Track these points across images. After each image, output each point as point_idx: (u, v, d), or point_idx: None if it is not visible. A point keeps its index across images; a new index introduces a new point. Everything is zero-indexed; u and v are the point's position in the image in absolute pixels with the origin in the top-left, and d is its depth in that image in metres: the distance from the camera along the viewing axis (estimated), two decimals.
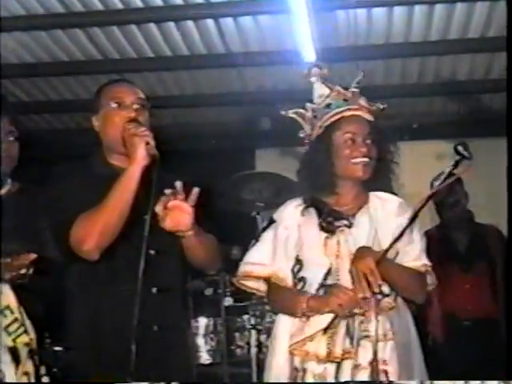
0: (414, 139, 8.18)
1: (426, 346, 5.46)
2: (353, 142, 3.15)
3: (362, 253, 3.00)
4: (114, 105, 3.24)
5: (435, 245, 5.44)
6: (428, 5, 6.07)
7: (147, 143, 3.01)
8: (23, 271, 3.12)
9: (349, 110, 3.21)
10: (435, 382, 3.08)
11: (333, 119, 3.21)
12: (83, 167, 3.35)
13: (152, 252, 2.98)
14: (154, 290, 2.97)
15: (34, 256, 3.11)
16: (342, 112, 3.20)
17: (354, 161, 3.14)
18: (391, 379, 2.95)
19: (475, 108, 8.18)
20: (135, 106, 3.24)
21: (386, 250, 2.96)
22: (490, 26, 6.43)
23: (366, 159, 3.13)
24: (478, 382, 2.86)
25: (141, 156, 3.00)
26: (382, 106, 3.28)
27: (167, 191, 2.97)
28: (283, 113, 3.33)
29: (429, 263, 3.18)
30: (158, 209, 2.95)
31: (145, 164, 3.00)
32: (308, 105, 3.30)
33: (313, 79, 3.27)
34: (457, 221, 5.57)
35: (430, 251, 5.36)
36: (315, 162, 3.23)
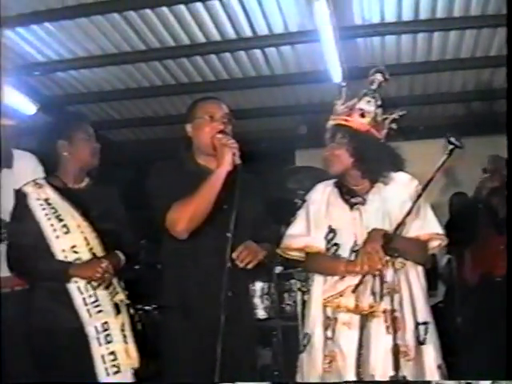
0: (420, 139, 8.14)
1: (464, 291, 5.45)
2: (327, 145, 3.14)
3: (371, 236, 2.95)
4: (207, 117, 3.25)
5: (480, 211, 5.43)
6: (428, 33, 6.05)
7: (234, 154, 3.04)
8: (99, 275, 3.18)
9: (336, 119, 3.15)
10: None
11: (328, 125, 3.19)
12: (176, 164, 3.36)
13: (228, 235, 2.97)
14: (229, 264, 2.97)
15: (105, 264, 3.18)
16: (334, 120, 3.16)
17: (325, 160, 3.17)
18: (399, 322, 2.88)
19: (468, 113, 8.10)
20: (224, 120, 3.25)
21: (395, 229, 2.88)
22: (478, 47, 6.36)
23: (329, 158, 3.12)
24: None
25: (228, 162, 3.02)
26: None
27: None
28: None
29: (436, 231, 3.10)
30: (235, 254, 3.04)
31: (230, 169, 3.03)
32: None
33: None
34: (500, 196, 5.46)
35: (473, 215, 5.37)
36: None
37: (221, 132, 3.17)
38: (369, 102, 3.14)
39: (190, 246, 3.16)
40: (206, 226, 3.11)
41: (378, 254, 2.88)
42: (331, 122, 3.16)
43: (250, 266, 3.10)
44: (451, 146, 2.78)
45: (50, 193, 3.32)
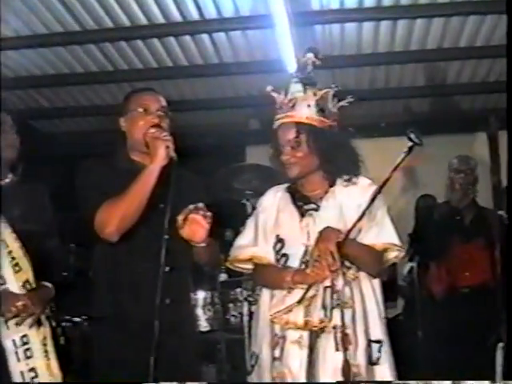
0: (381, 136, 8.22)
1: (427, 303, 5.50)
2: (284, 148, 3.11)
3: (324, 234, 2.94)
4: (141, 110, 3.26)
5: (444, 218, 5.49)
6: (392, 20, 6.08)
7: (167, 147, 3.05)
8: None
9: (282, 117, 3.13)
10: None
11: (275, 125, 3.17)
12: (108, 161, 3.37)
13: (167, 237, 2.95)
14: (167, 268, 2.96)
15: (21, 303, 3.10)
16: (277, 120, 3.15)
17: (284, 164, 3.12)
18: (350, 339, 2.91)
19: (433, 109, 8.18)
20: (159, 113, 3.27)
21: (349, 231, 2.89)
22: (444, 39, 6.43)
23: (290, 162, 3.10)
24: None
25: (161, 157, 3.03)
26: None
27: (191, 206, 2.99)
28: (267, 89, 3.19)
29: (392, 242, 3.09)
30: (180, 217, 2.97)
31: (163, 164, 3.03)
32: (281, 96, 3.17)
33: (294, 79, 3.18)
34: (465, 200, 5.52)
35: (438, 223, 5.42)
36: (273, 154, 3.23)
37: (155, 126, 3.18)
38: (296, 87, 3.13)
39: (123, 250, 3.16)
40: (140, 227, 3.11)
41: (331, 254, 2.86)
42: (283, 121, 3.13)
43: (199, 243, 3.06)
44: (410, 143, 2.80)
45: None
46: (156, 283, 2.86)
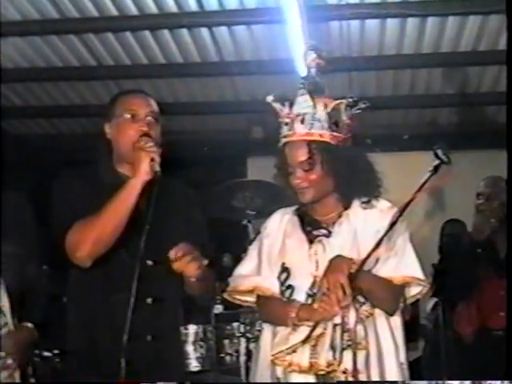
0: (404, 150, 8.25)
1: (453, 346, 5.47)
2: (294, 169, 3.08)
3: (334, 264, 2.93)
4: (128, 116, 3.21)
5: (474, 247, 5.47)
6: (420, 18, 6.09)
7: (152, 159, 3.01)
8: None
9: (290, 135, 3.09)
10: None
11: (281, 142, 3.15)
12: (90, 173, 3.33)
13: (150, 262, 2.97)
14: (149, 300, 2.95)
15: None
16: (284, 137, 3.11)
17: (296, 188, 3.09)
18: None
19: (464, 121, 8.19)
20: (148, 119, 3.21)
21: (363, 261, 2.87)
22: (481, 40, 6.45)
23: (302, 186, 3.07)
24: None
25: (144, 171, 2.99)
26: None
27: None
28: (268, 99, 3.13)
29: (414, 275, 3.05)
30: (172, 253, 2.94)
31: (146, 179, 2.99)
32: (285, 108, 3.12)
33: (301, 89, 3.17)
34: (500, 229, 5.51)
35: (467, 253, 5.39)
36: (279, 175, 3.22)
37: (144, 135, 3.12)
38: (304, 99, 3.08)
39: (98, 277, 3.12)
40: (120, 251, 3.07)
41: (341, 287, 2.85)
42: (291, 139, 3.10)
43: (190, 273, 3.02)
44: (437, 161, 2.81)
45: None
46: (136, 317, 2.85)
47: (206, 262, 3.03)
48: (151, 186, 2.99)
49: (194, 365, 5.37)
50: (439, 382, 2.94)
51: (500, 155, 8.35)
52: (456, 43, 6.55)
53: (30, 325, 3.35)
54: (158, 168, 3.00)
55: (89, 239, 3.00)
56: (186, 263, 2.96)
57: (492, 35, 6.38)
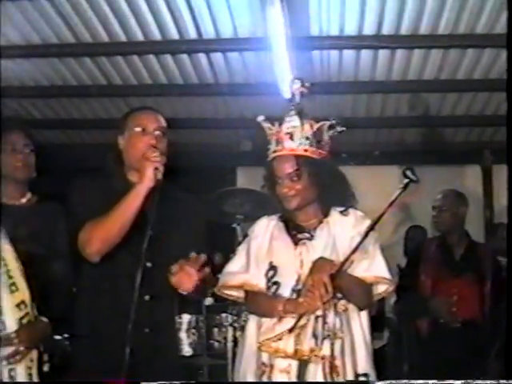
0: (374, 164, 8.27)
1: (413, 337, 5.46)
2: (282, 181, 3.10)
3: (318, 265, 2.95)
4: (139, 129, 3.22)
5: (435, 251, 5.46)
6: (391, 50, 6.10)
7: (156, 168, 3.01)
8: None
9: (277, 151, 3.12)
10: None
11: (270, 157, 3.16)
12: (104, 180, 3.33)
13: (149, 264, 2.96)
14: (147, 297, 2.95)
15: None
16: (274, 152, 3.14)
17: (283, 196, 3.12)
18: (338, 370, 2.93)
19: (427, 140, 8.21)
20: (156, 133, 3.22)
21: (342, 263, 2.92)
22: (442, 70, 6.46)
23: (290, 194, 3.09)
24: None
25: (148, 178, 3.00)
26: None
27: (192, 254, 3.01)
28: (258, 119, 3.17)
29: (382, 275, 3.09)
30: (174, 268, 2.99)
31: (151, 185, 2.99)
32: (274, 127, 3.16)
33: (291, 111, 3.17)
34: (456, 234, 5.50)
35: (429, 256, 5.37)
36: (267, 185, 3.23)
37: (151, 147, 3.12)
38: (292, 119, 3.11)
39: (105, 272, 3.13)
40: (123, 251, 3.07)
41: (324, 286, 2.87)
42: (281, 153, 3.11)
43: (183, 289, 3.04)
44: (406, 180, 2.83)
45: None
46: (135, 311, 2.86)
47: (199, 278, 3.02)
48: (155, 193, 2.99)
49: (186, 350, 5.35)
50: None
51: (457, 170, 8.45)
52: (421, 72, 6.56)
53: (45, 319, 3.31)
54: (160, 176, 3.00)
55: (98, 237, 3.01)
56: (181, 280, 2.99)
57: (451, 67, 6.42)
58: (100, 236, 3.01)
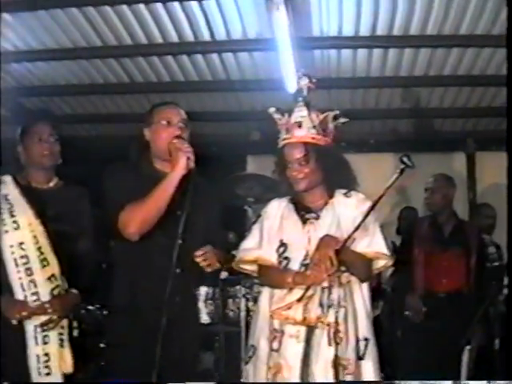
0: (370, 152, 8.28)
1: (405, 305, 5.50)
2: (292, 165, 3.15)
3: (324, 241, 3.00)
4: (164, 122, 3.28)
5: (426, 228, 5.49)
6: (384, 49, 6.12)
7: (188, 158, 3.07)
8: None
9: (287, 139, 3.18)
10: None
11: (281, 144, 3.22)
12: (133, 167, 3.40)
13: (180, 241, 3.00)
14: (178, 270, 2.99)
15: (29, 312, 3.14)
16: (284, 140, 3.20)
17: (292, 179, 3.17)
18: (341, 336, 2.98)
19: (418, 130, 8.21)
20: (180, 125, 3.28)
21: (346, 240, 2.96)
22: (431, 67, 6.47)
23: (299, 177, 3.14)
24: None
25: (181, 167, 3.06)
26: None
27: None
28: (270, 110, 3.24)
29: (382, 251, 3.14)
30: (197, 253, 3.15)
31: (183, 173, 3.06)
32: (284, 117, 3.23)
33: (299, 103, 3.22)
34: (445, 214, 5.53)
35: (421, 233, 5.37)
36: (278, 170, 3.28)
37: (177, 137, 3.18)
38: (301, 110, 3.18)
39: (141, 249, 3.18)
40: (158, 231, 3.12)
41: (330, 260, 2.92)
42: (290, 141, 3.17)
43: (209, 269, 3.17)
44: (403, 166, 2.86)
45: (11, 189, 3.30)
46: (168, 282, 2.91)
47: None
48: (185, 180, 3.04)
49: (204, 318, 5.41)
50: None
51: (444, 157, 8.44)
52: (411, 69, 6.56)
53: (75, 291, 3.36)
54: (192, 164, 3.07)
55: (138, 219, 3.08)
56: (204, 262, 3.13)
57: (438, 64, 6.42)
58: (139, 218, 3.07)
